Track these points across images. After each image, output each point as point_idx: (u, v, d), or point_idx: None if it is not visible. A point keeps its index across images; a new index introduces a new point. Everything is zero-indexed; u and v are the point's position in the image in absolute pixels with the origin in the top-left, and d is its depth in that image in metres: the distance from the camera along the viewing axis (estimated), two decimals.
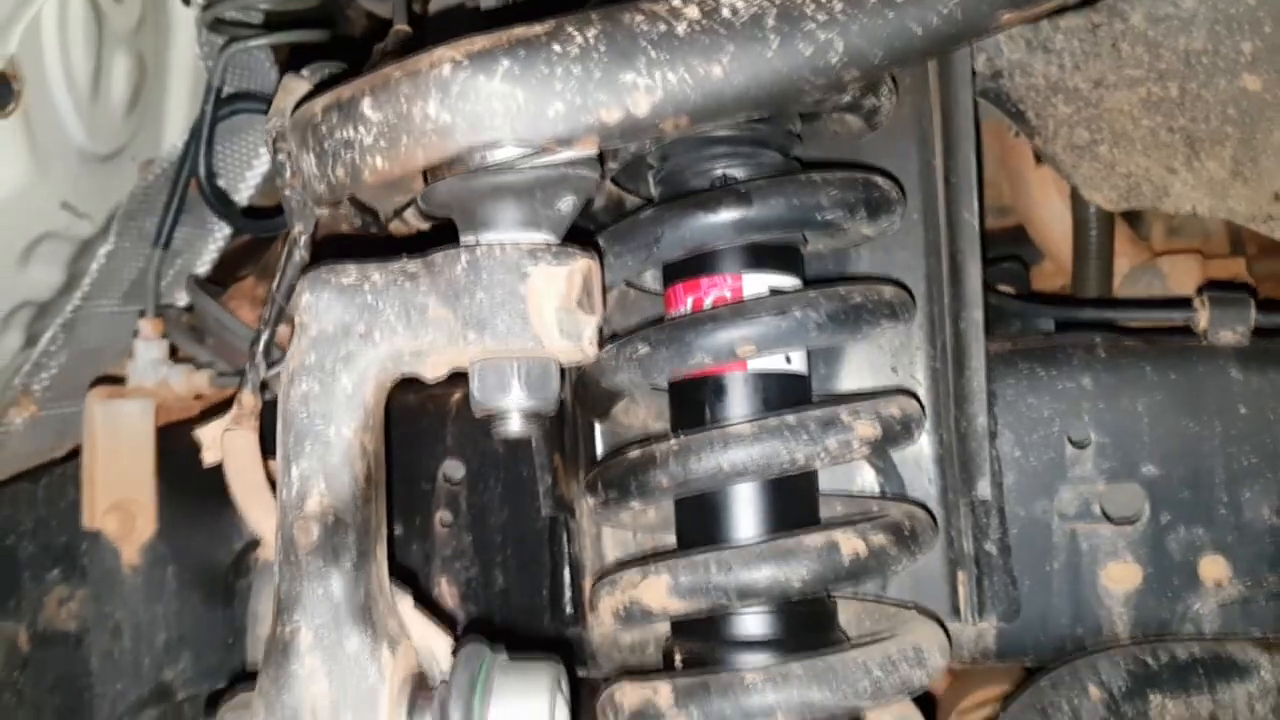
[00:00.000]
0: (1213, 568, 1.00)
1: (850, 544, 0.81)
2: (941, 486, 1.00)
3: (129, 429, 1.16)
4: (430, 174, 0.72)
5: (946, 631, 0.94)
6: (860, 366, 1.02)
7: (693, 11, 0.67)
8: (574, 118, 0.67)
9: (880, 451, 0.84)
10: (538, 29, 0.68)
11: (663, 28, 0.67)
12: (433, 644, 0.76)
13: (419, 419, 1.12)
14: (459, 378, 0.79)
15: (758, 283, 0.88)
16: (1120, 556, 1.01)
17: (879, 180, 0.87)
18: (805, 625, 0.87)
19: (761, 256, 0.89)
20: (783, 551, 0.81)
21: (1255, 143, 1.06)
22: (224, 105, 1.34)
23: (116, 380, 1.29)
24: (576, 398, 0.90)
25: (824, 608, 0.89)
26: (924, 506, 0.96)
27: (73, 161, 1.23)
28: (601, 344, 0.89)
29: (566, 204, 0.74)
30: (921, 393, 1.00)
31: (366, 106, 0.70)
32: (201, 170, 1.33)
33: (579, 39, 0.67)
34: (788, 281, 0.90)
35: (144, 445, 1.16)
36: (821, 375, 1.02)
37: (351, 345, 0.73)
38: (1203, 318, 1.03)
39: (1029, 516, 1.02)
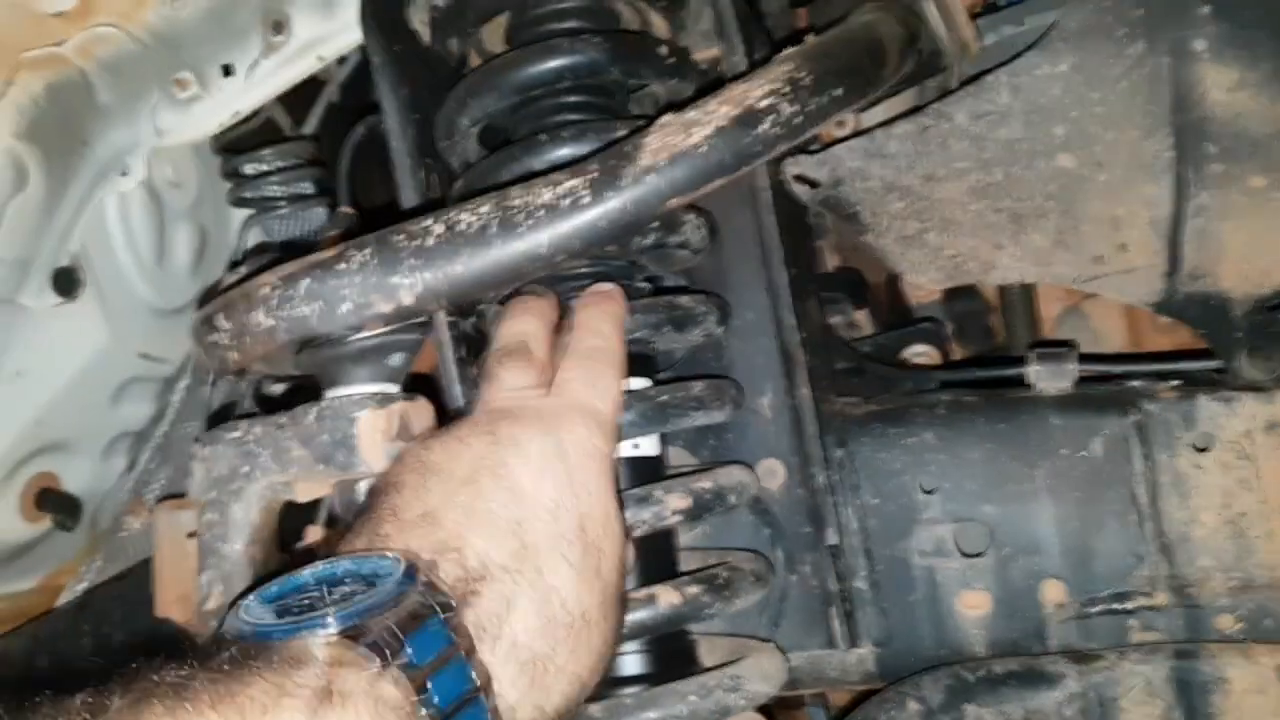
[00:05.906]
0: (1052, 591, 1.15)
1: (667, 597, 1.02)
2: (805, 536, 1.18)
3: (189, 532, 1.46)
4: (297, 352, 0.98)
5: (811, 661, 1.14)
6: (739, 440, 1.21)
7: (439, 229, 0.93)
8: (359, 312, 0.94)
9: (696, 518, 1.04)
10: (329, 253, 0.95)
11: (418, 242, 0.93)
12: None
13: None
14: None
15: None
16: (972, 585, 1.17)
17: (681, 301, 1.09)
18: (664, 661, 1.07)
19: None
20: None
21: (1075, 213, 1.21)
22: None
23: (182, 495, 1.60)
24: None
25: (680, 645, 1.09)
26: (764, 556, 1.15)
27: (145, 318, 1.53)
28: None
29: (396, 359, 1.00)
30: (785, 461, 1.19)
31: (220, 319, 0.98)
32: None
33: (358, 257, 0.94)
34: (640, 383, 1.11)
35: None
36: (712, 446, 1.22)
37: (238, 482, 0.99)
38: (1032, 372, 1.19)
39: (892, 555, 1.19)
